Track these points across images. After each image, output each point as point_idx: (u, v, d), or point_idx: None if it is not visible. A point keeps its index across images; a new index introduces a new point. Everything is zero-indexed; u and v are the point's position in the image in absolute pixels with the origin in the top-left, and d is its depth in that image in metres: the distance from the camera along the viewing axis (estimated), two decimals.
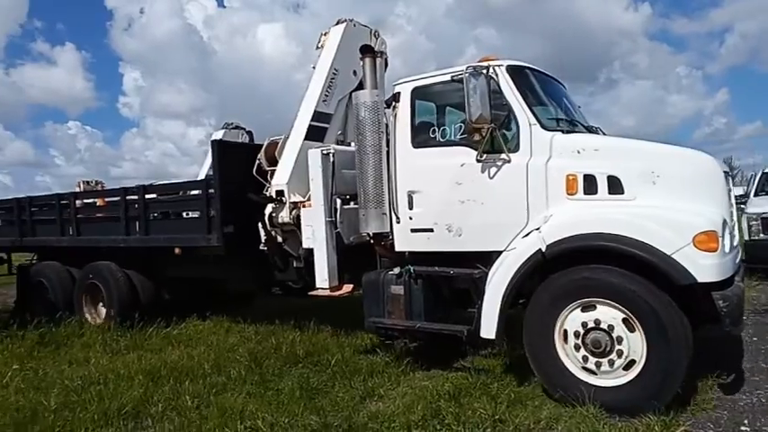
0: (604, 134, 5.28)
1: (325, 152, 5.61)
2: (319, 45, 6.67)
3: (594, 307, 3.96)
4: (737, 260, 4.36)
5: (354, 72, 6.42)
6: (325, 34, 6.65)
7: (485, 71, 4.39)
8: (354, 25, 6.59)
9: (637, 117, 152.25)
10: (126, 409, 4.25)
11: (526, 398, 4.18)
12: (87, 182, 20.81)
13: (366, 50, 5.58)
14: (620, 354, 3.86)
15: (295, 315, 6.92)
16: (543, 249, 4.10)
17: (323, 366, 5.19)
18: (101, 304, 7.56)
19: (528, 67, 5.03)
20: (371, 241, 5.21)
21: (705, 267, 3.65)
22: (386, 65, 6.85)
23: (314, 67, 6.54)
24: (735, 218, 4.72)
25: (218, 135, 10.72)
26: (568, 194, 4.27)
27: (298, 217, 5.80)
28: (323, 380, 4.80)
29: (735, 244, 4.38)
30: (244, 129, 11.81)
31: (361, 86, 5.78)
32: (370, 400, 4.37)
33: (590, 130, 5.06)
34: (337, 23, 6.60)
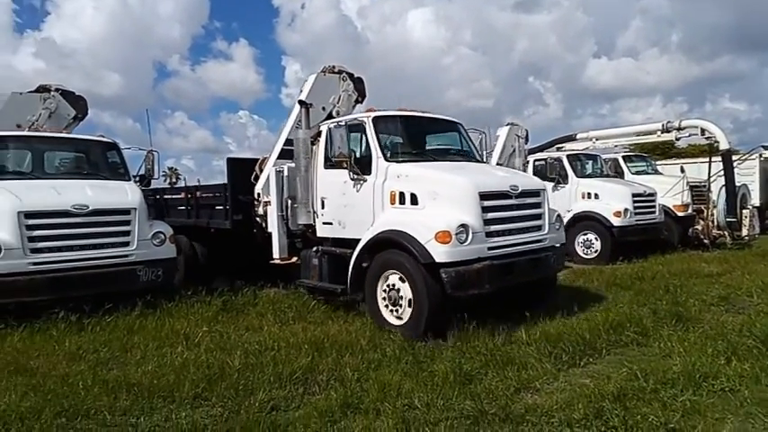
0: (476, 159, 7.56)
1: (278, 170, 7.86)
2: (301, 89, 8.76)
3: (393, 274, 6.14)
4: (498, 248, 6.07)
5: (323, 108, 8.58)
6: (305, 81, 8.82)
7: (344, 124, 6.84)
8: (324, 74, 8.85)
9: None
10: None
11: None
12: None
13: (302, 104, 7.69)
14: (401, 305, 6.02)
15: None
16: (370, 238, 6.33)
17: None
18: None
19: (390, 115, 7.22)
20: (304, 229, 7.56)
21: (440, 253, 5.67)
22: (362, 96, 9.17)
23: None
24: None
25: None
26: (391, 204, 6.43)
27: (266, 212, 8.05)
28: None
29: (491, 239, 6.06)
30: None
31: (329, 117, 8.35)
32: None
33: (436, 157, 7.16)
34: (323, 71, 8.84)
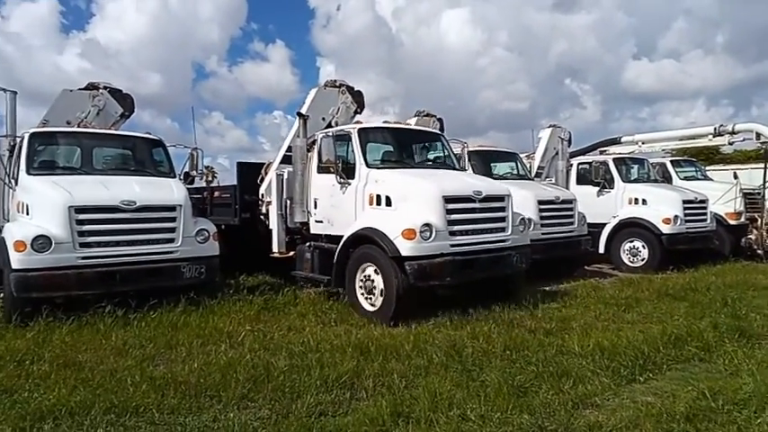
0: (453, 167, 8.41)
1: (278, 173, 8.73)
2: (303, 101, 9.67)
3: (368, 266, 6.90)
4: (463, 245, 6.89)
5: (323, 118, 9.48)
6: (308, 94, 9.70)
7: (332, 134, 7.84)
8: (325, 88, 9.79)
9: None
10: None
11: None
12: None
13: (300, 115, 8.43)
14: (375, 293, 6.80)
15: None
16: (350, 234, 7.11)
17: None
18: None
19: (373, 127, 8.36)
20: (300, 226, 8.39)
21: (405, 248, 6.47)
22: (360, 107, 10.13)
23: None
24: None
25: (411, 122, 10.99)
26: (370, 205, 7.27)
27: (268, 211, 8.93)
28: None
29: (457, 239, 6.89)
30: (435, 116, 11.96)
31: (329, 126, 9.22)
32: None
33: (413, 166, 8.14)
34: (324, 85, 9.82)
